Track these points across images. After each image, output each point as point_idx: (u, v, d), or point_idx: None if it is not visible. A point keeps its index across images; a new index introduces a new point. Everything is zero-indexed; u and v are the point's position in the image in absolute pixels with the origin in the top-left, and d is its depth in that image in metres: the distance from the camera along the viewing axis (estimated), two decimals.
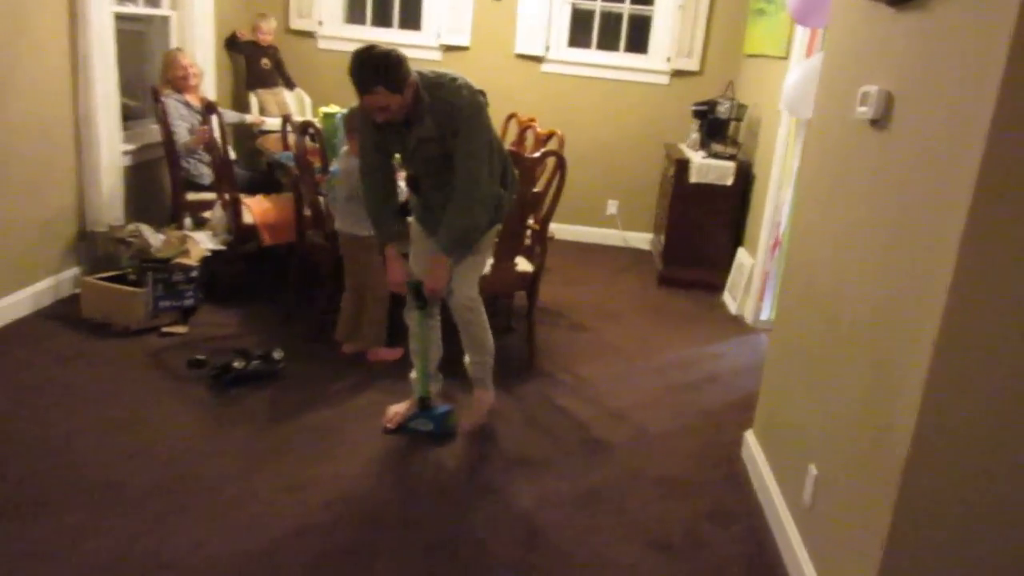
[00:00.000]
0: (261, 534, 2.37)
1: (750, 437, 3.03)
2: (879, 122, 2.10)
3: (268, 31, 5.64)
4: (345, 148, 3.49)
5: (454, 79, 2.71)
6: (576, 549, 2.44)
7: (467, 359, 3.15)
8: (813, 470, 2.29)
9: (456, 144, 2.70)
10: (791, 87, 3.59)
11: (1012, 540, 1.78)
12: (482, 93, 2.76)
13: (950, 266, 1.64)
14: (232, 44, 5.61)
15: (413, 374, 3.12)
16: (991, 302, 1.64)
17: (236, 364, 3.26)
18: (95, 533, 2.30)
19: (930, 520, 1.79)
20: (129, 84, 4.56)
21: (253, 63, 5.66)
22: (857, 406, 2.06)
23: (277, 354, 3.37)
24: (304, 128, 3.68)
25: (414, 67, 2.66)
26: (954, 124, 1.69)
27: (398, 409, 3.09)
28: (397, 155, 2.91)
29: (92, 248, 4.13)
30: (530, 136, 4.80)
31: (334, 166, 3.56)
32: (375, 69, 2.54)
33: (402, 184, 3.06)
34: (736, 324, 4.60)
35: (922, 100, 1.88)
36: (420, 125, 2.70)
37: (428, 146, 2.75)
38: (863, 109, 2.15)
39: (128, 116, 4.56)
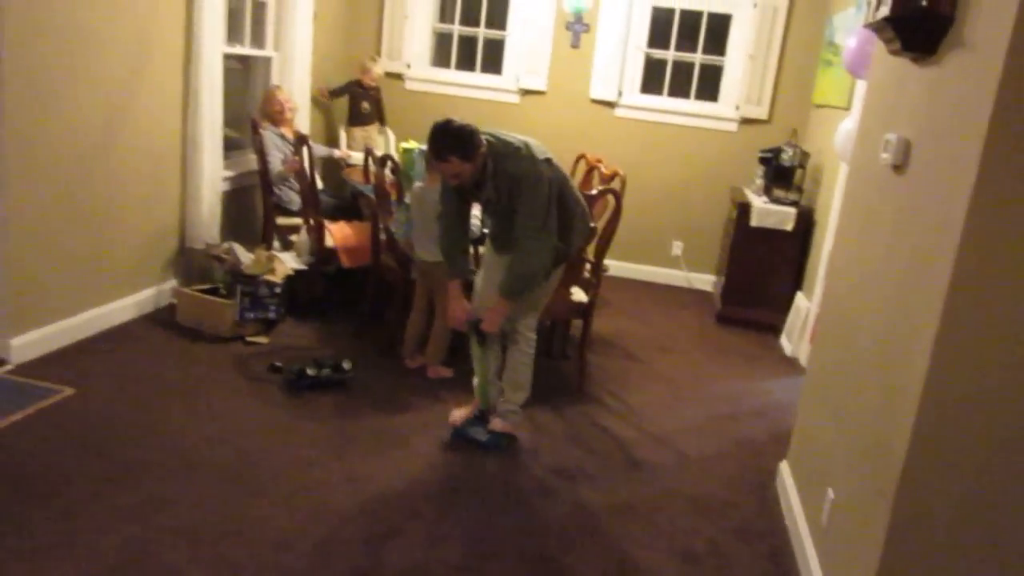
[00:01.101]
0: (321, 515, 2.65)
1: (784, 466, 3.15)
2: (899, 167, 2.27)
3: (375, 75, 6.04)
4: (418, 184, 3.80)
5: (518, 149, 3.02)
6: (604, 552, 2.63)
7: (502, 400, 3.31)
8: (830, 493, 2.43)
9: (517, 205, 3.02)
10: (843, 135, 3.75)
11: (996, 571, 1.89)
12: (547, 161, 3.05)
13: (939, 303, 1.80)
14: (335, 92, 6.00)
15: (476, 380, 3.39)
16: (978, 336, 1.79)
17: (309, 371, 3.59)
18: (177, 503, 2.62)
19: (921, 544, 1.92)
20: (232, 116, 5.03)
21: (355, 103, 6.05)
22: (867, 431, 2.20)
23: (346, 364, 3.68)
24: (383, 161, 4.03)
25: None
26: (955, 168, 1.85)
27: (462, 412, 3.37)
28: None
29: (189, 262, 4.58)
30: (596, 176, 5.06)
31: (407, 197, 3.87)
32: (451, 140, 2.92)
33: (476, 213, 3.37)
34: (790, 365, 4.70)
35: (933, 147, 2.05)
36: (486, 188, 3.06)
37: (493, 204, 3.13)
38: (885, 155, 2.32)
39: (229, 145, 4.99)
